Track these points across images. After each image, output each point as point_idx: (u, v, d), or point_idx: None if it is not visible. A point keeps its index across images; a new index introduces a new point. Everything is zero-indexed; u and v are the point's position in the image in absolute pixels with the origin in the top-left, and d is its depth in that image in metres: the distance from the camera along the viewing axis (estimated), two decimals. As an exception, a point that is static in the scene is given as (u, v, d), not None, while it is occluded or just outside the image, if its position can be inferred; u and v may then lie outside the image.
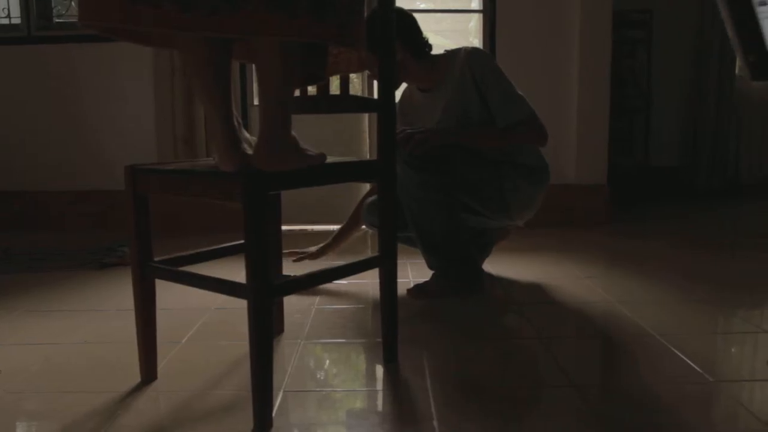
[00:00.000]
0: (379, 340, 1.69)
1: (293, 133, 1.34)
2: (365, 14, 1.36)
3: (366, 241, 3.40)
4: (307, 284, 1.44)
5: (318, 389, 1.52)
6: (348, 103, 1.58)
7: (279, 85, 1.27)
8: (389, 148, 1.54)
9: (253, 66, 1.48)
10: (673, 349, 1.70)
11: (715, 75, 4.95)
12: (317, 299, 2.21)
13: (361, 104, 1.62)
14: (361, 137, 3.65)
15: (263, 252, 1.24)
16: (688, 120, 5.12)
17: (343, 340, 1.84)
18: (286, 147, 1.30)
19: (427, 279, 2.29)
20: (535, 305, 2.14)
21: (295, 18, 1.14)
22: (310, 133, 3.09)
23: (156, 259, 1.52)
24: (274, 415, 1.35)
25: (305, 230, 3.57)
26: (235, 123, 1.34)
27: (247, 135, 1.44)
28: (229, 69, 1.34)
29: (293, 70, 1.28)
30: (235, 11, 1.11)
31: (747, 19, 1.05)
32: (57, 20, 3.83)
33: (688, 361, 1.61)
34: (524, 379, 1.55)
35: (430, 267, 2.29)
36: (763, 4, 1.08)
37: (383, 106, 1.53)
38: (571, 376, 1.54)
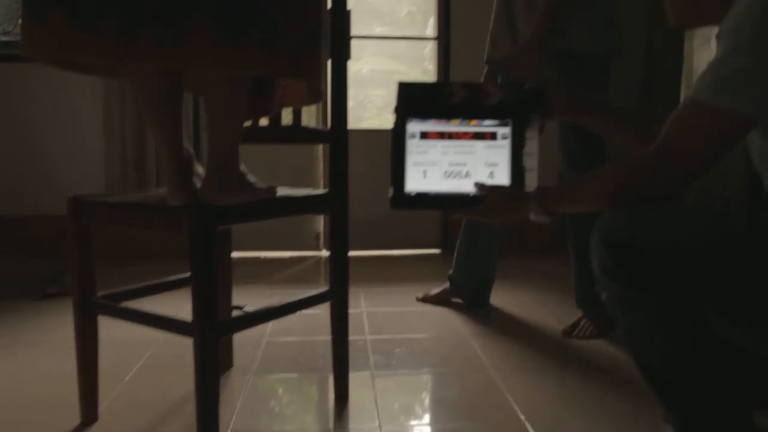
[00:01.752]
0: (331, 374, 1.66)
1: (242, 166, 1.31)
2: (322, 45, 1.35)
3: (318, 267, 3.37)
4: (256, 321, 1.40)
5: (267, 428, 1.48)
6: (299, 135, 1.57)
7: (226, 118, 1.24)
8: (341, 179, 1.53)
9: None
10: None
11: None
12: (268, 330, 2.17)
13: (312, 135, 1.61)
14: (316, 166, 3.64)
15: (211, 289, 1.21)
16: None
17: (295, 375, 1.80)
18: (233, 181, 1.27)
19: (386, 309, 2.28)
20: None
21: (243, 49, 1.12)
22: (264, 162, 3.06)
23: (100, 293, 1.47)
24: (220, 457, 1.31)
25: (258, 258, 3.52)
26: (186, 155, 1.31)
27: (200, 169, 1.40)
28: (179, 100, 1.31)
29: (241, 102, 1.26)
30: (180, 42, 1.08)
31: (400, 160, 1.27)
32: (2, 38, 3.72)
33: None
34: (476, 411, 1.54)
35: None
36: (413, 137, 1.26)
37: (334, 138, 1.51)
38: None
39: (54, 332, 2.17)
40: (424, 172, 1.28)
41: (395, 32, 4.15)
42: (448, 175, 1.28)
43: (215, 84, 1.22)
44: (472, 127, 1.28)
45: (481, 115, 1.29)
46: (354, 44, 3.92)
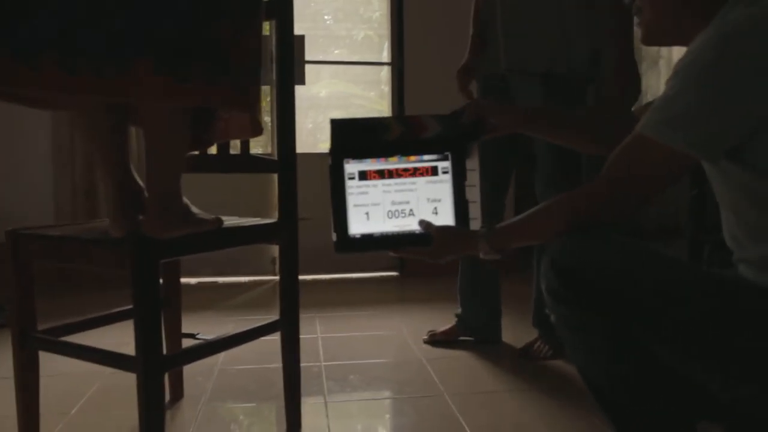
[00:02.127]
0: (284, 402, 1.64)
1: (185, 199, 1.29)
2: (261, 77, 1.34)
3: (274, 292, 3.33)
4: (203, 353, 1.38)
5: (216, 461, 1.45)
6: (247, 164, 1.56)
7: (167, 150, 1.23)
8: (290, 208, 1.52)
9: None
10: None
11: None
12: (221, 359, 2.13)
13: (261, 165, 1.60)
14: (271, 192, 3.61)
15: (154, 323, 1.19)
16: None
17: (247, 404, 1.78)
18: (176, 213, 1.25)
19: (342, 334, 2.25)
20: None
21: (184, 82, 1.11)
22: (217, 190, 3.03)
23: (42, 327, 1.43)
24: (165, 494, 1.27)
25: (215, 283, 3.47)
26: (132, 187, 1.29)
27: None
28: (124, 132, 1.29)
29: (182, 134, 1.24)
30: (121, 74, 1.07)
31: (340, 203, 1.26)
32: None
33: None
34: (429, 441, 1.54)
35: None
36: (351, 178, 1.27)
37: (283, 167, 1.51)
38: None
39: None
40: (367, 214, 1.26)
41: (353, 56, 4.17)
42: (392, 215, 1.27)
43: (155, 116, 1.20)
44: (412, 162, 1.27)
45: (419, 150, 1.28)
46: (311, 68, 3.94)
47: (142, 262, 1.17)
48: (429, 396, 1.81)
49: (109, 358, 1.28)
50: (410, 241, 1.27)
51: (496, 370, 2.03)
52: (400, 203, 1.27)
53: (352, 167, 1.26)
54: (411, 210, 1.27)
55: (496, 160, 2.20)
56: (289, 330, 1.54)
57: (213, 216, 1.36)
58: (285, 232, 1.52)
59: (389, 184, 1.27)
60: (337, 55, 4.24)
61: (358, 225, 1.26)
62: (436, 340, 2.31)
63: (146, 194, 1.30)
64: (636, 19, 1.15)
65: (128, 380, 1.90)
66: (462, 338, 2.32)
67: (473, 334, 2.31)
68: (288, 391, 1.58)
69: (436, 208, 1.28)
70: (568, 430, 1.59)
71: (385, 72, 4.00)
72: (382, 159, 1.27)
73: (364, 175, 1.26)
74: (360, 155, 1.26)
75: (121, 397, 1.81)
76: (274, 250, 3.60)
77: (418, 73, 3.68)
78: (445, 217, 1.28)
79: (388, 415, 1.70)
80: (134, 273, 1.16)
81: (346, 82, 4.56)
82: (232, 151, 1.59)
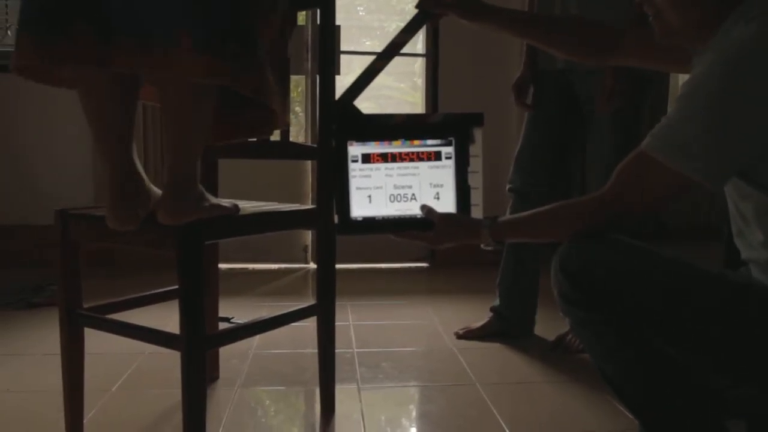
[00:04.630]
0: (318, 387, 1.66)
1: (200, 186, 1.28)
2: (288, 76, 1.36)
3: (306, 280, 3.38)
4: (242, 334, 1.41)
5: (252, 441, 1.49)
6: (287, 150, 1.58)
7: (188, 135, 1.23)
8: (327, 195, 1.54)
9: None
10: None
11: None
12: (255, 343, 2.17)
13: (300, 152, 1.62)
14: (305, 180, 3.65)
15: (198, 303, 1.22)
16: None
17: (281, 388, 1.81)
18: (191, 198, 1.23)
19: (374, 322, 2.27)
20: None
21: (221, 62, 1.12)
22: (251, 177, 3.08)
23: (87, 305, 1.47)
24: (205, 470, 1.31)
25: (246, 269, 3.52)
26: (135, 176, 1.26)
27: (154, 190, 1.31)
28: (132, 117, 1.28)
29: (205, 120, 1.24)
30: (160, 50, 1.09)
31: (343, 185, 1.28)
32: (-9, 49, 3.72)
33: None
34: (463, 426, 1.55)
35: None
36: (355, 160, 1.26)
37: (321, 154, 1.53)
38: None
39: (39, 343, 2.16)
40: (369, 197, 1.27)
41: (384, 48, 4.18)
42: (394, 198, 1.27)
43: (180, 95, 1.20)
44: (415, 147, 1.27)
45: (423, 134, 1.28)
46: (342, 59, 3.95)
47: (188, 243, 1.19)
48: (461, 385, 1.83)
49: (153, 335, 1.31)
50: (412, 225, 1.28)
51: (528, 361, 2.04)
52: (403, 187, 1.28)
53: (355, 150, 1.26)
54: (413, 194, 1.28)
55: (552, 120, 2.18)
56: (325, 315, 1.57)
57: (230, 202, 1.36)
58: (322, 217, 1.54)
59: (392, 168, 1.27)
60: (368, 46, 4.25)
61: (360, 208, 1.27)
62: (472, 335, 2.27)
63: (147, 185, 1.27)
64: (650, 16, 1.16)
65: (165, 361, 1.96)
66: (498, 332, 2.26)
67: (509, 328, 2.27)
68: (323, 375, 1.60)
69: (438, 193, 1.28)
70: (599, 420, 1.59)
71: (419, 64, 4.00)
72: (386, 142, 1.27)
73: (367, 158, 1.27)
74: (364, 138, 1.26)
75: (158, 377, 1.86)
76: (306, 238, 3.64)
77: (452, 65, 3.68)
78: (446, 202, 1.29)
79: (420, 403, 1.72)
80: (180, 254, 1.19)
81: (382, 74, 4.57)
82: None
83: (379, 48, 1.47)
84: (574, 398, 1.74)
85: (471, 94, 3.65)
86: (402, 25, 1.46)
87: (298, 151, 1.64)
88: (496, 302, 2.30)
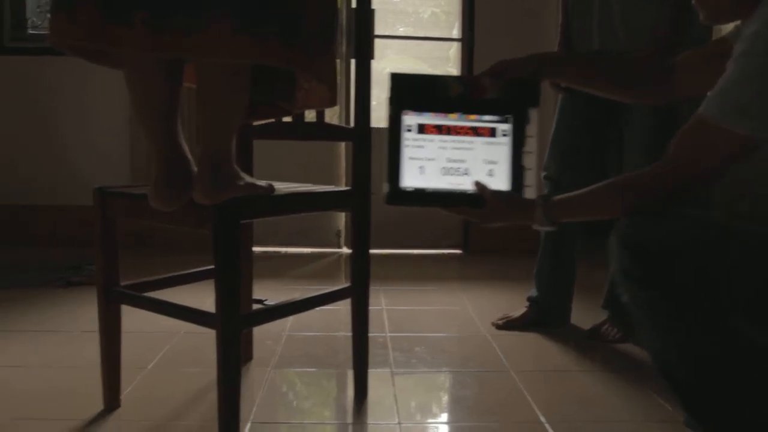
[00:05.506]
0: (351, 370, 1.66)
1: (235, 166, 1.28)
2: (336, 45, 1.34)
3: (339, 264, 3.38)
4: (278, 314, 1.41)
5: (287, 421, 1.49)
6: (323, 131, 1.57)
7: (225, 113, 1.22)
8: (364, 176, 1.53)
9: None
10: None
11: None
12: (288, 324, 2.18)
13: (336, 133, 1.61)
14: (338, 164, 3.64)
15: (234, 282, 1.22)
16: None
17: (314, 370, 1.81)
18: (226, 176, 1.23)
19: (406, 307, 2.27)
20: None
21: (263, 41, 1.11)
22: (285, 158, 3.08)
23: (123, 283, 1.49)
24: (239, 448, 1.31)
25: (278, 253, 3.53)
26: (181, 158, 1.25)
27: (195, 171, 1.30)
28: (179, 95, 1.27)
29: (241, 96, 1.24)
30: (201, 32, 1.08)
31: (395, 154, 1.22)
32: (31, 31, 3.78)
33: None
34: (496, 412, 1.54)
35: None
36: (409, 130, 1.21)
37: (358, 135, 1.52)
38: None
39: (77, 320, 2.20)
40: (421, 168, 1.24)
41: (418, 33, 4.14)
42: (446, 171, 1.24)
43: (217, 78, 1.20)
44: (471, 121, 1.24)
45: (480, 109, 1.25)
46: (377, 43, 3.94)
47: (224, 222, 1.19)
48: (494, 371, 1.81)
49: (189, 314, 1.31)
50: (462, 200, 1.25)
51: (563, 350, 2.01)
52: (456, 161, 1.24)
53: (410, 119, 1.23)
54: (466, 169, 1.25)
55: (587, 105, 2.10)
56: (359, 297, 1.56)
57: (265, 182, 1.36)
58: (357, 199, 1.53)
59: (446, 141, 1.24)
60: (402, 32, 4.21)
61: (411, 178, 1.24)
62: (512, 325, 2.21)
63: (192, 166, 1.26)
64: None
65: (199, 341, 1.98)
66: (535, 322, 2.21)
67: (546, 317, 2.23)
68: (356, 359, 1.60)
69: (491, 170, 1.25)
70: (633, 409, 1.56)
71: (454, 49, 3.96)
72: (442, 114, 1.24)
73: (422, 129, 1.24)
74: (420, 108, 1.23)
75: (193, 356, 1.88)
76: (339, 222, 3.65)
77: (488, 50, 3.62)
78: (500, 180, 1.25)
79: (453, 388, 1.71)
80: (216, 232, 1.19)
81: (413, 59, 4.53)
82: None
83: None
84: (609, 388, 1.71)
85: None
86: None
87: (334, 133, 1.63)
88: (533, 292, 2.26)
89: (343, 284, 1.55)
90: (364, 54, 1.50)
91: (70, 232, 3.62)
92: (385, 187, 1.24)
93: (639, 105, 1.97)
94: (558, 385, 1.73)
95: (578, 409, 1.58)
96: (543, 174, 2.19)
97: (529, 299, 2.27)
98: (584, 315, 2.27)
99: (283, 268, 3.17)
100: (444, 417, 1.56)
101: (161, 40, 1.08)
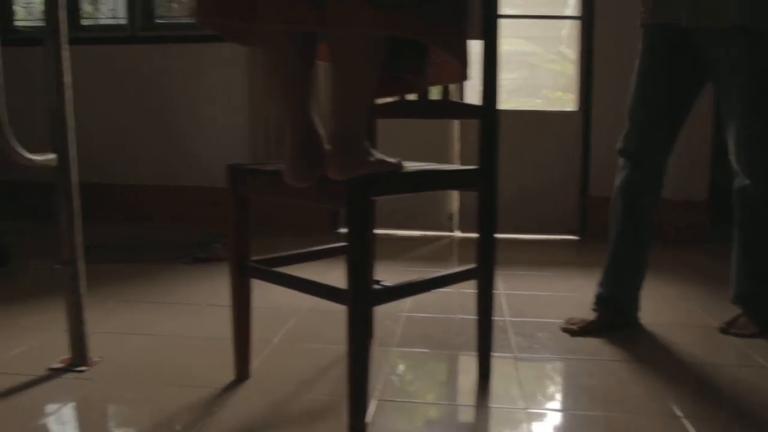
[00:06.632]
0: (472, 352, 1.63)
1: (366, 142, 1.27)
2: (468, 21, 1.30)
3: (451, 248, 3.35)
4: (406, 293, 1.40)
5: (410, 400, 1.48)
6: (449, 109, 1.54)
7: (357, 87, 1.21)
8: (491, 155, 1.49)
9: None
10: None
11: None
12: (407, 306, 2.18)
13: (463, 111, 1.57)
14: (450, 145, 3.61)
15: (365, 257, 1.22)
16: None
17: (435, 351, 1.80)
18: (357, 153, 1.22)
19: (525, 292, 2.21)
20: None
21: (402, 14, 1.10)
22: (396, 137, 3.07)
23: (253, 258, 1.53)
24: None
25: (390, 235, 3.55)
26: (315, 135, 1.26)
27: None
28: (312, 73, 1.28)
29: (374, 72, 1.22)
30: (341, 5, 1.08)
31: None
32: (158, 21, 3.97)
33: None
34: (626, 402, 1.47)
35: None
36: None
37: (486, 113, 1.48)
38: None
39: (203, 293, 2.30)
40: None
41: (528, 12, 4.01)
42: None
43: (350, 50, 1.19)
44: None
45: None
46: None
47: (358, 197, 1.19)
48: (622, 361, 1.73)
49: (321, 289, 1.33)
50: None
51: (693, 343, 1.89)
52: None
53: None
54: None
55: (672, 79, 1.92)
56: (485, 278, 1.53)
57: (394, 159, 1.35)
58: (485, 178, 1.49)
59: None
60: (510, 11, 4.10)
61: None
62: (586, 330, 1.96)
63: (325, 143, 1.27)
64: None
65: (321, 318, 2.02)
66: (609, 327, 1.99)
67: (619, 315, 2.02)
68: (481, 341, 1.57)
69: None
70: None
71: (566, 30, 3.82)
72: None
73: None
74: None
75: (315, 333, 1.91)
76: (452, 205, 3.62)
77: (609, 29, 3.46)
78: None
79: (579, 376, 1.65)
80: (350, 208, 1.19)
81: (522, 40, 4.39)
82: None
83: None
84: (748, 384, 1.59)
85: (630, 63, 3.42)
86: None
87: (460, 111, 1.59)
88: (601, 290, 2.04)
89: (455, 267, 1.52)
90: (492, 32, 1.46)
91: (188, 210, 3.79)
92: None
93: (726, 60, 1.80)
94: (691, 379, 1.63)
95: (718, 405, 1.48)
96: (620, 147, 2.00)
97: (599, 298, 2.04)
98: (714, 307, 2.14)
99: (395, 250, 3.18)
100: (571, 405, 1.50)
101: (296, 12, 1.08)
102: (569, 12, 3.77)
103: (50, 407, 1.41)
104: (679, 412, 1.42)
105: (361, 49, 1.18)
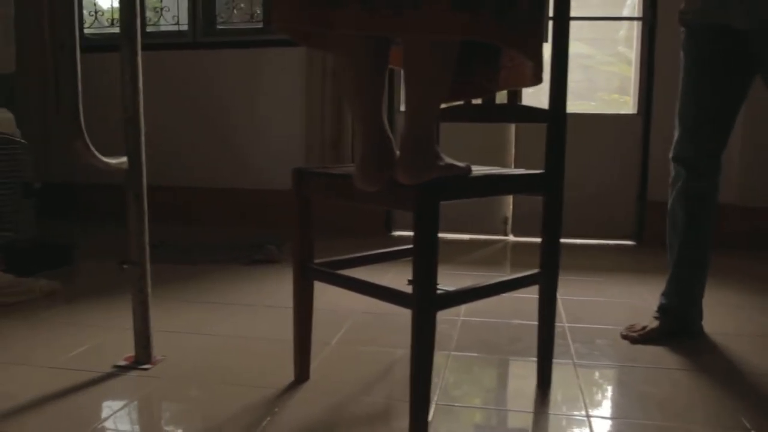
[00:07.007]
0: (532, 359, 1.62)
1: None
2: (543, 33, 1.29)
3: (505, 252, 3.33)
4: (471, 297, 1.40)
5: (469, 405, 1.48)
6: (516, 113, 1.53)
7: (430, 92, 1.21)
8: (558, 159, 1.48)
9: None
10: None
11: None
12: (462, 310, 2.17)
13: (531, 115, 1.56)
14: (507, 149, 3.58)
15: (432, 262, 1.22)
16: None
17: (493, 356, 1.79)
18: (427, 157, 1.22)
19: (582, 298, 2.18)
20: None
21: (479, 19, 1.09)
22: (453, 140, 3.06)
23: (315, 261, 1.54)
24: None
25: (444, 238, 3.54)
26: (385, 140, 1.26)
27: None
28: (384, 79, 1.29)
29: (446, 77, 1.22)
30: (416, 10, 1.08)
31: None
32: (219, 27, 4.04)
33: None
34: (693, 413, 1.43)
35: None
36: None
37: (554, 117, 1.46)
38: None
39: (260, 294, 2.34)
40: None
41: (584, 14, 3.95)
42: None
43: (423, 56, 1.18)
44: None
45: None
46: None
47: (427, 201, 1.19)
48: (685, 370, 1.69)
49: (385, 293, 1.34)
50: None
51: (760, 353, 1.84)
52: None
53: None
54: None
55: (727, 80, 1.85)
56: (548, 284, 1.52)
57: (463, 163, 1.35)
58: (551, 183, 1.48)
59: None
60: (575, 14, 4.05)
61: None
62: (646, 339, 1.92)
63: (395, 147, 1.27)
64: None
65: (376, 321, 2.03)
66: (671, 336, 1.93)
67: (683, 325, 1.96)
68: (542, 346, 1.56)
69: None
70: None
71: (624, 31, 3.75)
72: None
73: None
74: None
75: (371, 336, 1.93)
76: (507, 209, 3.59)
77: (671, 30, 3.36)
78: None
79: (641, 384, 1.61)
80: (418, 212, 1.19)
81: (578, 42, 4.33)
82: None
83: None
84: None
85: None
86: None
87: (528, 114, 1.58)
88: (664, 301, 1.98)
89: (515, 272, 1.51)
90: (563, 35, 1.45)
91: (242, 212, 3.85)
92: None
93: None
94: (759, 391, 1.58)
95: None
96: (673, 155, 1.94)
97: (661, 308, 1.99)
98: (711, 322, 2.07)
99: (450, 253, 3.17)
100: (635, 413, 1.47)
101: (376, 18, 1.09)
102: (626, 13, 3.70)
103: (116, 404, 1.46)
104: (748, 425, 1.38)
105: (435, 54, 1.19)
